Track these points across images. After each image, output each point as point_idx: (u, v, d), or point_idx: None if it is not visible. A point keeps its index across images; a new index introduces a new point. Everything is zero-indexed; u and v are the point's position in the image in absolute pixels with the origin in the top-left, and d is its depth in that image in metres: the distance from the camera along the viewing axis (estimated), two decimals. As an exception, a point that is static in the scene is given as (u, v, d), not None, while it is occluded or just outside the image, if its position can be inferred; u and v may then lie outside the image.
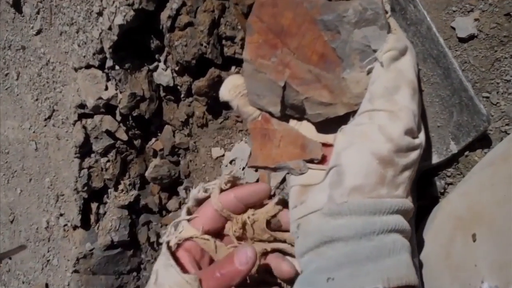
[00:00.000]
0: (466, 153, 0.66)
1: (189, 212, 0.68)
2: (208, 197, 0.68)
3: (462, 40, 0.66)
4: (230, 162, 1.01)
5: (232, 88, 0.68)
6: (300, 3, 0.60)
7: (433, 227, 0.65)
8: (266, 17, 0.62)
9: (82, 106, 1.10)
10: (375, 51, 0.55)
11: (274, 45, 0.61)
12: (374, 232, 0.51)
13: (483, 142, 0.66)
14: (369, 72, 0.56)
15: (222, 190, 0.68)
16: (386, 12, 0.57)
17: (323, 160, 0.60)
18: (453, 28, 0.66)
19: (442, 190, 0.70)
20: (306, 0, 0.59)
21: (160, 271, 0.63)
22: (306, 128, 0.65)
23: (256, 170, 0.94)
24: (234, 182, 0.69)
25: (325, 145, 0.61)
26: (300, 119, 0.66)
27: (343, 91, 0.58)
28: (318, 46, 0.58)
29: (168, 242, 0.66)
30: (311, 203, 0.57)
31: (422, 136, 0.56)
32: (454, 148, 0.65)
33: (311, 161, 0.61)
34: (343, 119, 0.60)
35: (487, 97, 0.65)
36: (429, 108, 0.66)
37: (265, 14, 0.62)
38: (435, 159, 0.67)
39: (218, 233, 0.69)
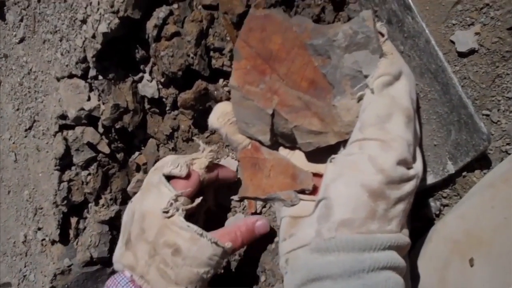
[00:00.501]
0: (464, 173, 0.65)
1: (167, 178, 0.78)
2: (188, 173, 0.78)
3: (461, 55, 0.64)
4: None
5: (221, 115, 0.70)
6: (290, 27, 0.58)
7: (427, 251, 0.63)
8: (254, 42, 0.61)
9: (63, 117, 1.06)
10: (366, 76, 0.54)
11: (262, 71, 0.61)
12: (364, 270, 0.49)
13: (482, 162, 0.64)
14: (360, 99, 0.55)
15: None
16: (382, 35, 0.55)
17: (314, 190, 0.59)
18: (453, 42, 0.64)
19: (438, 212, 0.68)
20: (295, 24, 0.58)
21: (185, 244, 0.72)
22: (298, 158, 0.64)
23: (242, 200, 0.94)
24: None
25: (317, 175, 0.60)
26: (292, 148, 0.65)
27: (333, 119, 0.57)
28: (308, 72, 0.58)
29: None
30: (299, 237, 0.55)
31: (418, 165, 0.54)
32: (451, 168, 0.63)
33: (302, 191, 0.61)
34: (336, 149, 0.58)
35: (487, 115, 0.62)
36: (426, 125, 0.64)
37: (253, 39, 0.61)
38: (431, 179, 0.65)
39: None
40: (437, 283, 0.60)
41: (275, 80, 0.60)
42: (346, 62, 0.55)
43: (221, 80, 0.91)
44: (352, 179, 0.52)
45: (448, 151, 0.63)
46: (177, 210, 0.74)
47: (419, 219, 0.68)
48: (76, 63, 1.00)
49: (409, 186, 0.53)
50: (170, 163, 0.79)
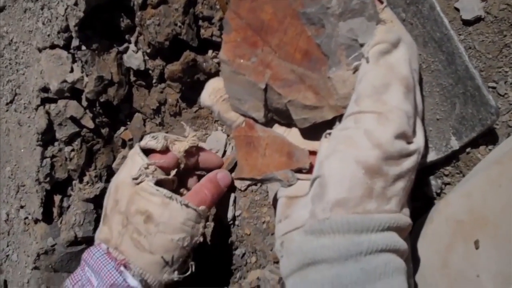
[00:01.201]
0: (468, 149, 0.62)
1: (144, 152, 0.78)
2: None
3: (467, 23, 0.61)
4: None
5: (212, 92, 0.66)
6: None
7: (428, 232, 0.60)
8: (244, 13, 0.58)
9: (45, 89, 1.02)
10: (362, 45, 0.52)
11: (253, 44, 0.59)
12: (361, 253, 0.47)
13: (487, 137, 0.61)
14: (355, 69, 0.53)
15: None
16: (381, 2, 0.52)
17: (312, 169, 0.56)
18: (457, 10, 0.61)
19: (439, 191, 0.66)
20: None
21: (157, 210, 0.72)
22: (295, 135, 0.62)
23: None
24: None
25: (314, 153, 0.57)
26: (288, 125, 0.63)
27: (329, 92, 0.55)
28: (301, 42, 0.56)
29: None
30: (294, 218, 0.54)
31: (419, 140, 0.51)
32: (455, 144, 0.61)
33: (299, 170, 0.59)
34: (334, 124, 0.56)
35: (494, 87, 0.59)
36: (428, 98, 0.61)
37: (244, 9, 0.58)
38: (433, 156, 0.63)
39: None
40: (439, 266, 0.57)
41: (267, 52, 0.58)
42: (341, 30, 0.53)
43: (210, 51, 0.89)
44: (347, 155, 0.49)
45: (452, 126, 0.61)
46: (147, 176, 0.74)
47: (419, 198, 0.66)
48: (58, 32, 0.96)
49: (409, 162, 0.50)
50: (149, 135, 0.79)
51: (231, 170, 0.86)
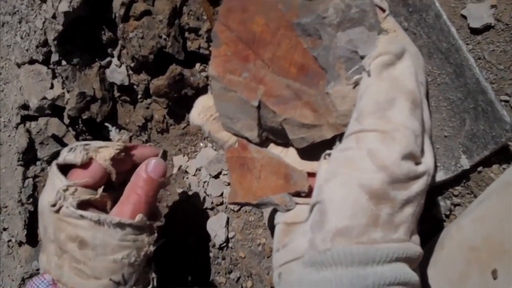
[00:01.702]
0: (479, 168, 0.59)
1: (61, 169, 0.69)
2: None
3: (475, 32, 0.58)
4: (195, 172, 0.92)
5: (202, 110, 0.63)
6: (274, 5, 0.53)
7: (440, 259, 0.57)
8: (234, 25, 0.56)
9: (25, 107, 0.99)
10: (363, 57, 0.49)
11: (245, 58, 0.57)
12: (367, 287, 0.43)
13: (501, 156, 0.57)
14: (356, 84, 0.50)
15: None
16: (383, 10, 0.49)
17: (311, 192, 0.52)
18: (464, 17, 0.58)
19: (448, 212, 0.63)
20: (280, 1, 0.53)
21: (88, 234, 0.64)
22: (293, 156, 0.59)
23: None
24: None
25: (313, 175, 0.53)
26: (285, 145, 0.60)
27: (328, 110, 0.52)
28: (296, 56, 0.53)
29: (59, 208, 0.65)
30: (293, 247, 0.51)
31: (428, 160, 0.48)
32: (465, 163, 0.57)
33: (297, 194, 0.56)
34: (333, 143, 0.53)
35: (507, 101, 0.57)
36: (435, 114, 0.59)
37: (234, 21, 0.56)
38: (441, 176, 0.60)
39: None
40: (453, 298, 0.54)
41: (260, 67, 0.55)
42: (340, 41, 0.49)
43: (197, 65, 0.87)
44: (349, 178, 0.46)
45: (461, 143, 0.57)
46: (66, 200, 0.65)
47: (426, 221, 0.62)
48: (37, 46, 0.94)
49: (418, 185, 0.46)
50: (66, 149, 0.70)
51: (163, 156, 0.77)
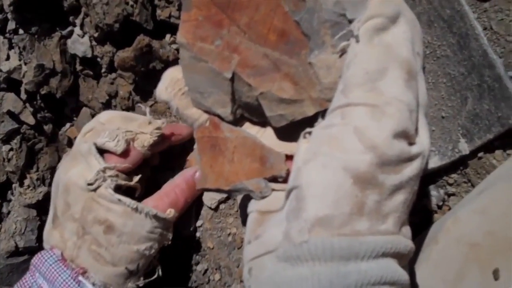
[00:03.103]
0: (480, 154, 0.55)
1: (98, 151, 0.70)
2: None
3: None
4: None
5: (170, 84, 0.60)
6: None
7: (433, 255, 0.53)
8: None
9: None
10: (351, 21, 0.45)
11: (218, 23, 0.53)
12: (349, 286, 0.40)
13: (506, 140, 0.53)
14: (343, 52, 0.46)
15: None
16: None
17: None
18: None
19: (441, 203, 0.59)
20: None
21: (118, 220, 0.67)
22: (271, 136, 0.56)
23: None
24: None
25: (292, 157, 0.50)
26: (263, 124, 0.57)
27: (310, 82, 0.49)
28: (276, 20, 0.50)
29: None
30: (266, 239, 0.47)
31: (423, 140, 0.45)
32: (464, 148, 0.54)
33: (274, 179, 0.54)
34: (314, 121, 0.50)
35: None
36: (432, 92, 0.55)
37: None
38: (436, 162, 0.56)
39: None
40: (447, 299, 0.51)
41: (235, 33, 0.52)
42: (325, 3, 0.46)
43: (168, 36, 0.83)
44: (331, 159, 0.42)
45: (461, 125, 0.53)
46: (105, 181, 0.68)
47: (416, 211, 0.58)
48: None
49: (411, 169, 0.42)
50: (107, 133, 0.71)
51: None
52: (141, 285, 0.71)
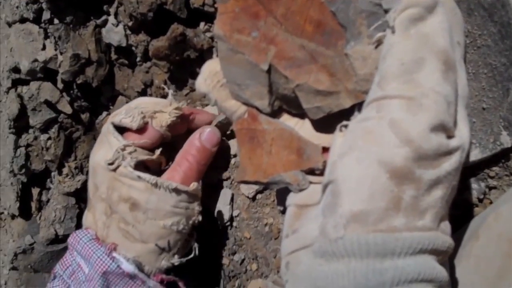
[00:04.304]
0: None
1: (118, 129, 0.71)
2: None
3: None
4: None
5: (209, 76, 0.59)
6: None
7: (474, 252, 0.51)
8: None
9: (16, 70, 0.94)
10: (387, 11, 0.44)
11: (255, 14, 0.52)
12: (385, 284, 0.39)
13: None
14: (379, 43, 0.45)
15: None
16: None
17: None
18: None
19: (481, 196, 0.57)
20: None
21: (142, 197, 0.67)
22: (309, 128, 0.54)
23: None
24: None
25: (329, 149, 0.48)
26: (301, 116, 0.55)
27: (347, 74, 0.48)
28: (312, 11, 0.49)
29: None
30: (303, 234, 0.47)
31: (463, 133, 0.43)
32: (506, 141, 0.52)
33: (311, 171, 0.52)
34: (352, 114, 0.49)
35: None
36: (472, 82, 0.53)
37: None
38: (476, 155, 0.54)
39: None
40: (489, 297, 0.49)
41: (271, 24, 0.51)
42: None
43: (202, 24, 0.83)
44: (367, 153, 0.41)
45: (502, 117, 0.51)
46: (124, 159, 0.68)
47: (457, 206, 0.56)
48: (27, 3, 0.89)
49: (449, 163, 0.41)
50: (124, 111, 0.72)
51: (220, 127, 0.78)
52: (176, 263, 0.72)
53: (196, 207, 0.72)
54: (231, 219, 0.81)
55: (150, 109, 0.72)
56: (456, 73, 0.43)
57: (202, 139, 0.74)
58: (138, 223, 0.68)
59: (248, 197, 0.79)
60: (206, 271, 0.82)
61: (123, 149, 0.68)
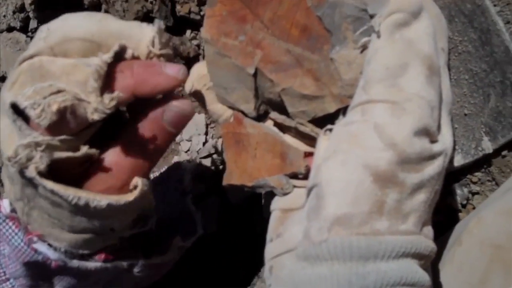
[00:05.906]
0: (504, 152, 0.54)
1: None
2: None
3: None
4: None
5: (196, 79, 0.58)
6: None
7: (456, 257, 0.52)
8: None
9: (4, 79, 0.95)
10: (372, 16, 0.45)
11: (242, 18, 0.53)
12: (367, 287, 0.39)
13: None
14: (364, 48, 0.46)
15: None
16: None
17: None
18: None
19: (465, 202, 0.59)
20: None
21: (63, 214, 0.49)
22: None
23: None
24: None
25: (313, 154, 0.49)
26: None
27: (332, 78, 0.49)
28: (299, 15, 0.49)
29: None
30: (287, 238, 0.48)
31: (446, 137, 0.44)
32: (487, 146, 0.53)
33: (294, 175, 0.53)
34: (337, 118, 0.50)
35: None
36: (454, 88, 0.54)
37: None
38: (459, 161, 0.55)
39: None
40: (472, 304, 0.50)
41: (258, 29, 0.52)
42: None
43: (188, 32, 0.84)
44: (351, 157, 0.41)
45: (484, 123, 0.52)
46: (30, 159, 0.44)
47: (441, 212, 0.58)
48: (14, 12, 0.90)
49: (433, 168, 0.41)
50: (32, 91, 0.44)
51: (194, 94, 0.59)
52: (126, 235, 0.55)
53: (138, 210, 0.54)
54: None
55: (69, 96, 0.44)
56: (440, 79, 0.44)
57: (165, 119, 0.50)
58: (66, 218, 0.50)
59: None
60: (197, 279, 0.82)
61: (29, 147, 0.44)
